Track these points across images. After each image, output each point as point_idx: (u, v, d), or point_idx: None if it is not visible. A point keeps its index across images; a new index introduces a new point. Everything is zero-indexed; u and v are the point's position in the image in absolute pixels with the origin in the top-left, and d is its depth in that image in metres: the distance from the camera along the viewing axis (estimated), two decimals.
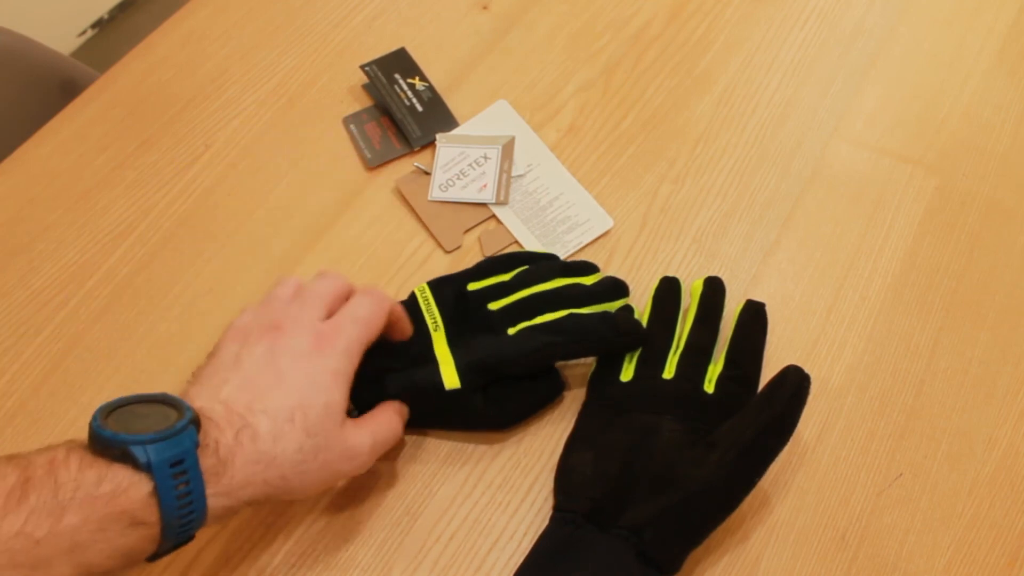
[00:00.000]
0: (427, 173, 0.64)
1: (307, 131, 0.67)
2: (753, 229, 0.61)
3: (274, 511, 0.52)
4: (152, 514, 0.39)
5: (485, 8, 0.73)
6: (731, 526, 0.50)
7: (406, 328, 0.52)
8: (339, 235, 0.62)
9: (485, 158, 0.64)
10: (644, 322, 0.55)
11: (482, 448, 0.53)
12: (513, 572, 0.47)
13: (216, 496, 0.41)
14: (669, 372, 0.53)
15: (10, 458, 0.38)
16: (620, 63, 0.69)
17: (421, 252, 0.61)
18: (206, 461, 0.40)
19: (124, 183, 0.65)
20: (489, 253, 0.61)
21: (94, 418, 0.39)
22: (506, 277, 0.56)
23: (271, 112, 0.68)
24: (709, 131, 0.66)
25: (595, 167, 0.64)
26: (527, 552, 0.48)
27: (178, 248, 0.62)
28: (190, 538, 0.41)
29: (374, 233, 0.62)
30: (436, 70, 0.69)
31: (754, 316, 0.55)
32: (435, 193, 0.63)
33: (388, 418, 0.49)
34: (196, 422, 0.41)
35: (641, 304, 0.57)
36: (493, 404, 0.52)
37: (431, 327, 0.54)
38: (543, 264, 0.57)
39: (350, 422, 0.46)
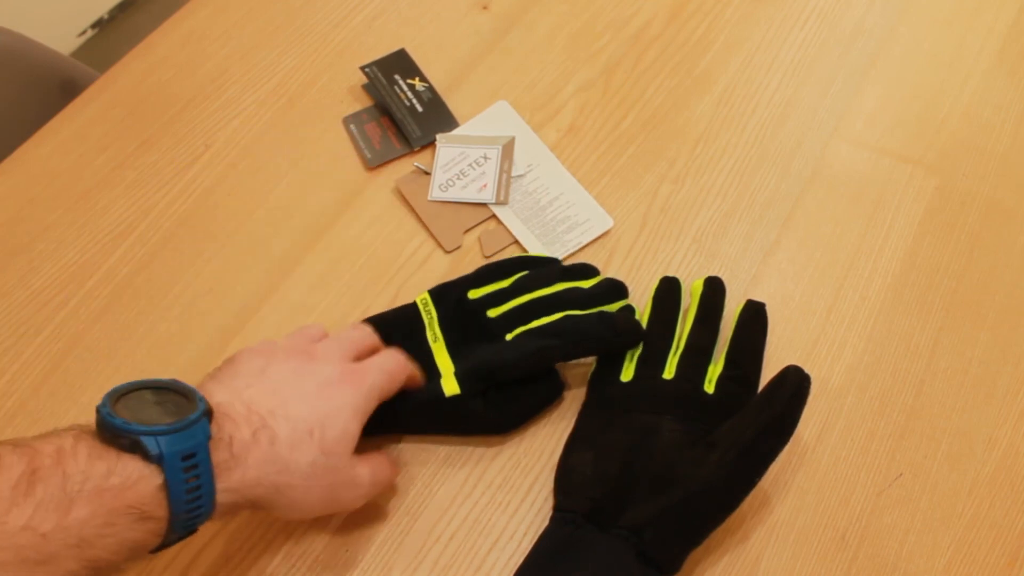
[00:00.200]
0: (427, 173, 0.64)
1: (307, 131, 0.67)
2: (753, 229, 0.61)
3: None
4: (160, 508, 0.38)
5: (485, 8, 0.73)
6: (731, 526, 0.50)
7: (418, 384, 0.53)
8: (339, 235, 0.62)
9: (485, 158, 0.64)
10: (644, 322, 0.55)
11: (482, 449, 0.53)
12: (513, 572, 0.47)
13: (225, 491, 0.40)
14: (669, 372, 0.53)
15: (15, 445, 0.37)
16: (620, 63, 0.69)
17: (421, 252, 0.61)
18: (218, 455, 0.40)
19: (124, 183, 0.65)
20: (489, 253, 0.61)
21: (104, 403, 0.39)
22: (506, 283, 0.56)
23: (271, 112, 0.68)
24: (709, 131, 0.66)
25: (595, 167, 0.64)
26: (527, 552, 0.48)
27: (178, 248, 0.62)
28: (194, 531, 0.41)
29: (374, 233, 0.62)
30: (436, 70, 0.69)
31: (754, 316, 0.55)
32: (435, 193, 0.63)
33: (385, 462, 0.49)
34: (209, 414, 0.40)
35: (641, 304, 0.57)
36: (493, 408, 0.52)
37: (431, 338, 0.54)
38: (542, 269, 0.57)
39: (356, 456, 0.47)
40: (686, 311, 0.56)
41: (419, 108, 0.67)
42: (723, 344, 0.54)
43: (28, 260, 0.61)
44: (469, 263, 0.60)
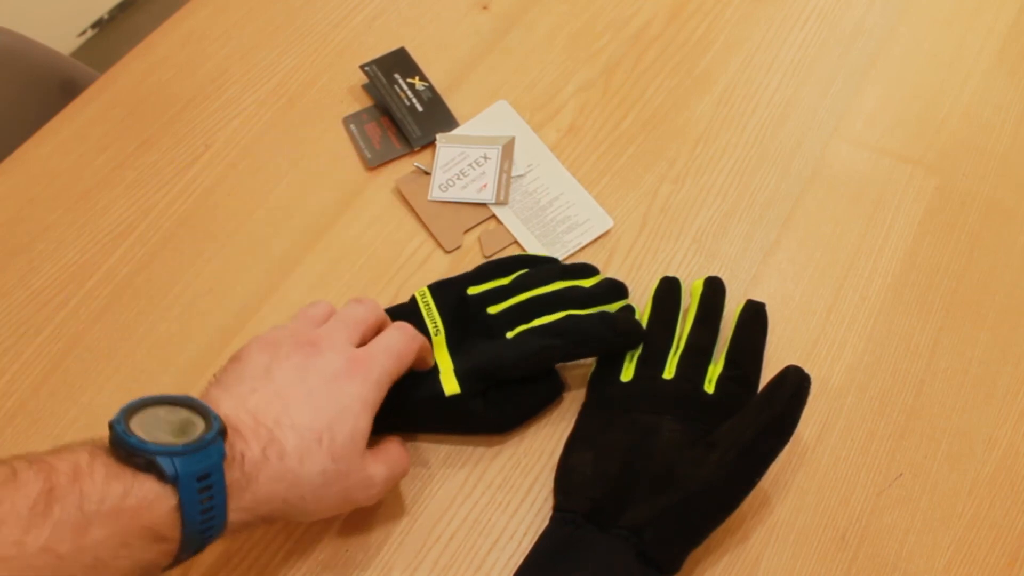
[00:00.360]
0: (427, 173, 0.64)
1: (307, 131, 0.67)
2: (753, 229, 0.61)
3: None
4: (174, 529, 0.38)
5: (485, 8, 0.73)
6: (731, 526, 0.50)
7: (428, 362, 0.52)
8: (339, 235, 0.62)
9: (485, 158, 0.64)
10: (644, 322, 0.55)
11: (482, 449, 0.53)
12: (513, 572, 0.47)
13: (236, 511, 0.40)
14: (669, 372, 0.53)
15: (31, 462, 0.36)
16: (620, 63, 0.69)
17: (421, 252, 0.61)
18: (231, 475, 0.39)
19: (124, 183, 0.64)
20: (489, 253, 0.61)
21: (118, 421, 0.38)
22: (505, 281, 0.56)
23: (271, 112, 0.68)
24: (709, 131, 0.66)
25: (595, 167, 0.64)
26: (527, 552, 0.48)
27: (178, 248, 0.62)
28: (202, 549, 0.41)
29: (374, 233, 0.62)
30: (436, 70, 0.69)
31: (754, 316, 0.55)
32: (435, 193, 0.63)
33: (399, 452, 0.49)
34: (224, 432, 0.40)
35: (641, 304, 0.57)
36: (493, 408, 0.52)
37: (432, 332, 0.54)
38: (542, 267, 0.57)
39: (368, 453, 0.46)
40: (686, 311, 0.56)
41: (419, 108, 0.67)
42: (723, 344, 0.54)
43: (28, 260, 0.61)
44: (469, 263, 0.60)
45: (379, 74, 0.68)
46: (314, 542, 0.51)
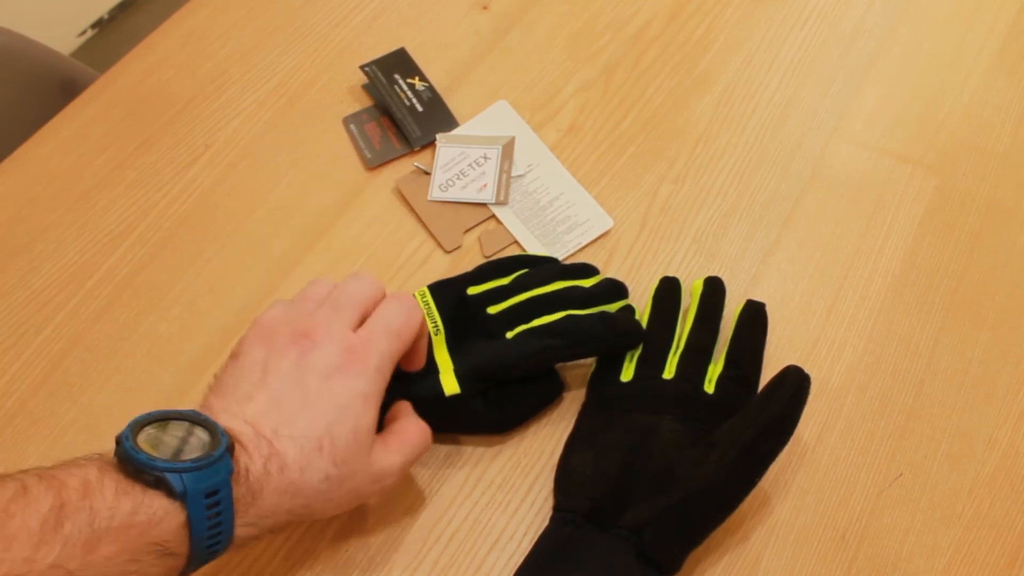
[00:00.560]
0: (427, 173, 0.64)
1: (307, 131, 0.67)
2: (753, 229, 0.61)
3: None
4: (182, 545, 0.38)
5: (485, 8, 0.73)
6: (731, 526, 0.50)
7: (422, 356, 0.51)
8: (339, 235, 0.62)
9: (485, 158, 0.64)
10: (644, 322, 0.55)
11: (482, 448, 0.53)
12: (513, 572, 0.47)
13: (242, 526, 0.40)
14: (669, 372, 0.53)
15: (40, 477, 0.36)
16: (620, 63, 0.69)
17: (421, 252, 0.61)
18: (237, 490, 0.39)
19: (124, 183, 0.65)
20: (489, 253, 0.61)
21: (126, 436, 0.38)
22: (505, 281, 0.56)
23: (271, 112, 0.68)
24: (709, 131, 0.66)
25: (595, 167, 0.64)
26: (527, 552, 0.48)
27: (178, 248, 0.62)
28: (206, 563, 0.41)
29: (374, 233, 0.62)
30: (436, 70, 0.69)
31: (754, 316, 0.55)
32: (435, 193, 0.63)
33: (416, 431, 0.47)
34: (231, 448, 0.40)
35: (641, 304, 0.57)
36: (493, 408, 0.52)
37: (432, 332, 0.54)
38: (542, 267, 0.57)
39: (379, 444, 0.45)
40: (686, 311, 0.56)
41: (419, 108, 0.67)
42: (723, 344, 0.54)
43: (28, 260, 0.61)
44: (469, 263, 0.60)
45: (379, 74, 0.68)
46: (314, 542, 0.51)
